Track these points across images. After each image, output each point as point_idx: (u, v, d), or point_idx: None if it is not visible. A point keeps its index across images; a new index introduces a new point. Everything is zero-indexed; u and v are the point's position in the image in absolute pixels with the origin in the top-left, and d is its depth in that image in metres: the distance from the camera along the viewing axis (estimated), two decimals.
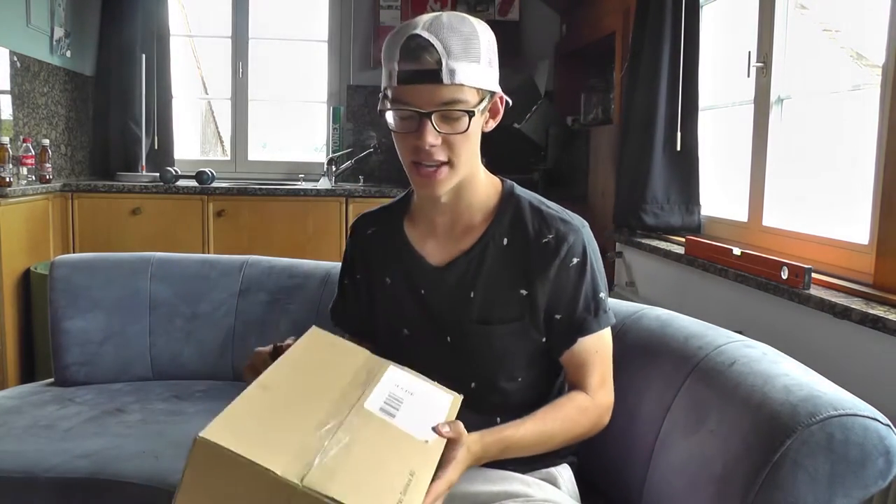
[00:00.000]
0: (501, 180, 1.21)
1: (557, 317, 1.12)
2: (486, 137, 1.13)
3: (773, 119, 2.18)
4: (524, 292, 1.12)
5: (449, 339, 1.15)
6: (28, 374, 2.86)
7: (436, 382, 1.04)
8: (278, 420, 0.83)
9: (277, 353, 1.05)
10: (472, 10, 3.85)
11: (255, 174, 4.01)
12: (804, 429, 0.90)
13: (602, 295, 1.14)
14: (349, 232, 1.31)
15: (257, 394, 0.86)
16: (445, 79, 1.01)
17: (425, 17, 1.05)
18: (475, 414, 1.14)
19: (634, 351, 1.26)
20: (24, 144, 2.98)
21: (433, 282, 1.16)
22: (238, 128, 4.08)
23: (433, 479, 0.89)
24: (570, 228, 1.13)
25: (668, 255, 2.39)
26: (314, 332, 1.05)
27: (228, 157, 4.14)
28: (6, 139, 2.76)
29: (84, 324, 1.94)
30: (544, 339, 1.14)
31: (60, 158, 3.55)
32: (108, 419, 1.71)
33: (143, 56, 3.70)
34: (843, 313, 1.52)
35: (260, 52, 4.15)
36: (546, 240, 1.12)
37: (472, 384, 1.14)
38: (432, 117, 1.03)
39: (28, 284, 2.84)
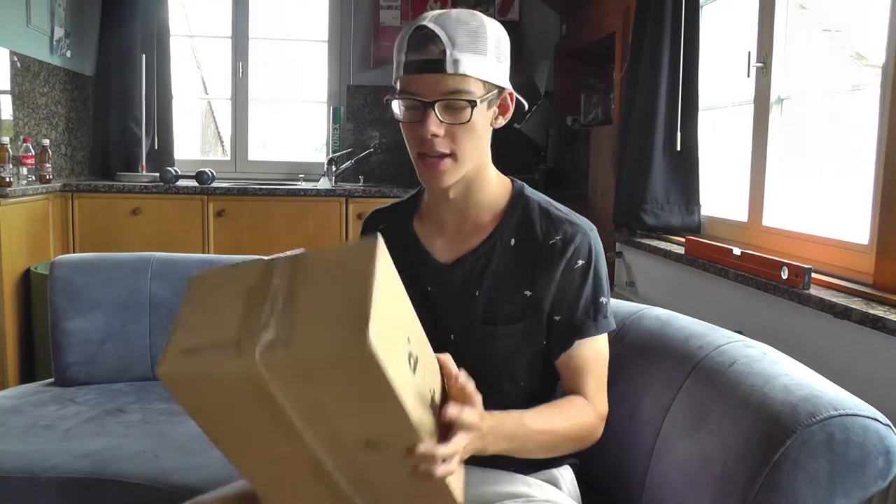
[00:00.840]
0: (512, 180, 1.20)
1: (557, 318, 1.12)
2: None
3: (773, 119, 2.18)
4: (528, 293, 1.12)
5: (453, 337, 1.14)
6: (28, 374, 2.86)
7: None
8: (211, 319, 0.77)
9: None
10: None
11: (255, 174, 4.01)
12: (804, 429, 0.90)
13: (603, 300, 1.13)
14: (362, 228, 1.30)
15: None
16: (449, 68, 1.02)
17: (434, 12, 1.06)
18: None
19: (634, 351, 1.26)
20: (25, 144, 2.98)
21: (440, 279, 1.16)
22: (238, 128, 4.08)
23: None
24: (578, 230, 1.12)
25: (668, 255, 2.39)
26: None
27: (228, 157, 4.14)
28: (6, 139, 2.76)
29: (84, 324, 1.94)
30: (545, 342, 1.14)
31: (60, 158, 3.55)
32: (108, 419, 1.71)
33: (143, 56, 3.70)
34: (843, 313, 1.52)
35: (260, 52, 4.15)
36: (553, 241, 1.12)
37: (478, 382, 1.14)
38: (436, 107, 1.04)
39: (28, 284, 2.84)
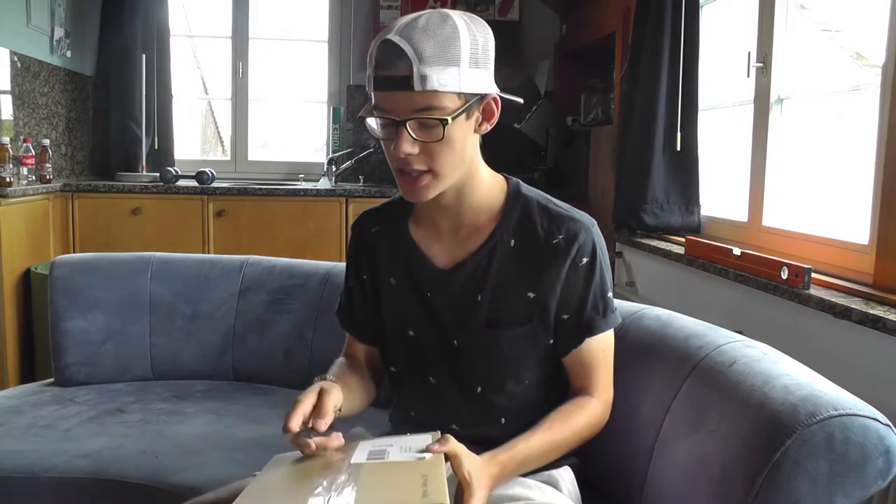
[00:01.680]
0: (506, 178, 1.17)
1: (565, 317, 1.11)
2: (486, 137, 1.11)
3: (773, 119, 2.18)
4: (532, 295, 1.10)
5: (455, 342, 1.14)
6: (28, 374, 2.86)
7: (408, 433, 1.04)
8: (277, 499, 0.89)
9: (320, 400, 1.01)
10: (472, 10, 3.84)
11: (255, 174, 4.02)
12: (804, 429, 0.90)
13: (610, 294, 1.13)
14: (351, 232, 1.28)
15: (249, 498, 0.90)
16: (416, 85, 0.97)
17: (403, 20, 1.00)
18: (480, 416, 1.14)
19: (634, 351, 1.26)
20: (25, 144, 2.98)
21: (439, 284, 1.14)
22: (238, 128, 4.08)
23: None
24: (580, 227, 1.10)
25: (668, 255, 2.39)
26: (277, 457, 1.06)
27: (228, 157, 4.14)
28: (6, 139, 2.76)
29: (84, 324, 1.94)
30: (552, 341, 1.13)
31: (61, 158, 3.55)
32: (108, 419, 1.71)
33: (143, 56, 3.70)
34: (843, 313, 1.52)
35: (260, 52, 4.15)
36: (556, 240, 1.09)
37: (479, 388, 1.14)
38: (407, 125, 1.00)
39: (28, 284, 2.84)
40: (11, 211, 2.72)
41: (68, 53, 3.57)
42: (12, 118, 3.07)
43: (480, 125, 1.08)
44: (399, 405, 1.26)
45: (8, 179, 2.73)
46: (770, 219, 2.18)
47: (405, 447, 0.95)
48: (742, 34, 2.38)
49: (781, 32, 2.16)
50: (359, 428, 1.23)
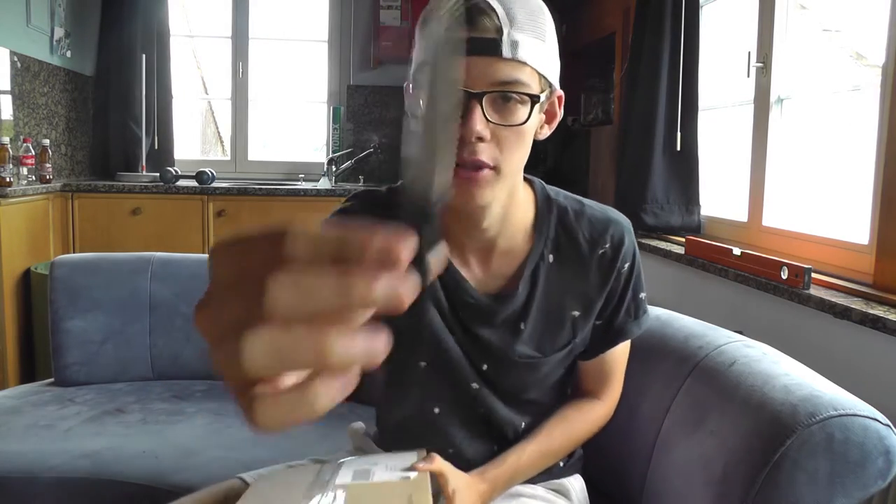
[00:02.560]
0: (529, 181, 1.00)
1: (598, 323, 1.02)
2: None
3: (773, 119, 2.18)
4: (576, 313, 0.99)
5: (485, 367, 0.99)
6: (28, 374, 2.86)
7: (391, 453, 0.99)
8: None
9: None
10: None
11: (255, 174, 4.02)
12: (804, 429, 0.90)
13: (643, 294, 1.04)
14: (354, 202, 1.06)
15: None
16: (506, 51, 0.80)
17: None
18: (482, 437, 1.04)
19: (634, 351, 1.25)
20: (25, 144, 2.98)
21: (477, 313, 0.97)
22: (238, 128, 4.08)
23: None
24: (623, 230, 0.99)
25: (668, 255, 2.39)
26: (260, 480, 1.04)
27: (228, 157, 4.14)
28: (6, 139, 2.76)
29: (84, 324, 1.94)
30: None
31: (60, 158, 3.55)
32: (108, 419, 1.71)
33: (143, 56, 3.70)
34: (843, 313, 1.52)
35: (260, 52, 4.14)
36: (602, 250, 0.97)
37: (491, 415, 1.02)
38: (484, 100, 0.81)
39: (28, 284, 2.84)
40: (11, 211, 2.72)
41: (68, 53, 3.57)
42: (12, 118, 3.07)
43: (541, 127, 0.92)
44: (387, 419, 1.13)
45: (8, 179, 2.73)
46: (770, 219, 2.18)
47: (390, 466, 0.93)
48: (742, 34, 2.38)
49: (781, 32, 2.17)
50: (359, 423, 1.20)
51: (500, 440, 1.04)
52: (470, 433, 1.03)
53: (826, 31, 2.29)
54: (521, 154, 0.86)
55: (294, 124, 4.67)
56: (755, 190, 2.23)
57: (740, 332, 1.22)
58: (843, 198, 2.07)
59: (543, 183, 1.01)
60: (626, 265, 1.00)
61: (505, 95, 0.82)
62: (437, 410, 1.02)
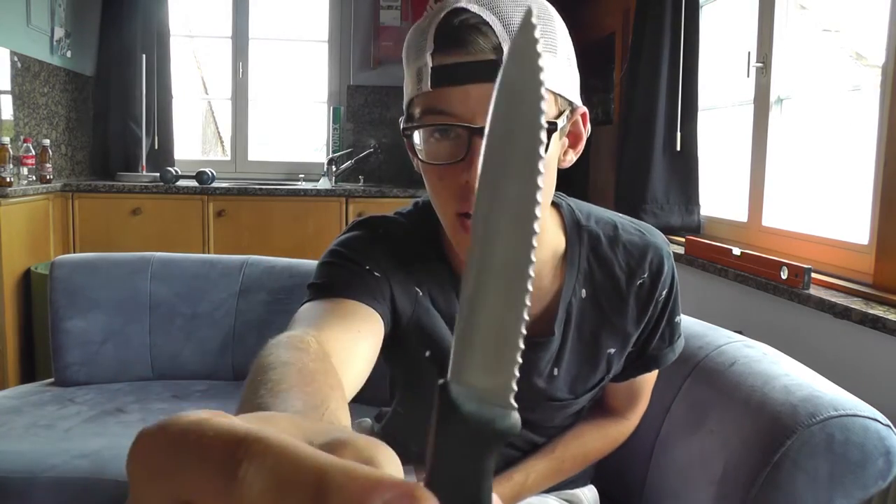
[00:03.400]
0: (556, 205, 0.89)
1: (632, 350, 0.95)
2: None
3: (773, 119, 2.18)
4: (612, 351, 0.91)
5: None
6: (28, 374, 2.86)
7: None
8: None
9: None
10: None
11: (255, 174, 4.01)
12: (804, 429, 0.90)
13: (678, 318, 0.95)
14: (367, 230, 0.86)
15: None
16: None
17: None
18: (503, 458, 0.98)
19: None
20: (25, 144, 2.98)
21: None
22: (238, 128, 4.08)
23: None
24: (661, 255, 0.88)
25: None
26: None
27: (228, 157, 4.14)
28: (7, 139, 2.76)
29: (84, 324, 1.94)
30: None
31: (61, 158, 3.55)
32: (108, 419, 1.71)
33: (143, 56, 3.70)
34: (843, 313, 1.52)
35: (260, 52, 4.14)
36: (641, 281, 0.88)
37: (519, 446, 0.97)
38: None
39: (28, 284, 2.84)
40: (11, 211, 2.71)
41: (68, 53, 3.57)
42: (12, 118, 3.07)
43: (565, 153, 0.80)
44: (395, 434, 1.04)
45: (8, 179, 2.73)
46: (770, 219, 2.18)
47: None
48: (742, 34, 2.38)
49: (781, 32, 2.16)
50: (366, 419, 1.18)
51: (511, 451, 1.01)
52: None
53: (826, 31, 2.29)
54: (546, 189, 0.77)
55: (294, 124, 4.67)
56: (755, 190, 2.23)
57: (740, 333, 1.22)
58: (842, 198, 2.08)
59: (571, 205, 0.92)
60: (665, 292, 0.91)
61: None
62: None
